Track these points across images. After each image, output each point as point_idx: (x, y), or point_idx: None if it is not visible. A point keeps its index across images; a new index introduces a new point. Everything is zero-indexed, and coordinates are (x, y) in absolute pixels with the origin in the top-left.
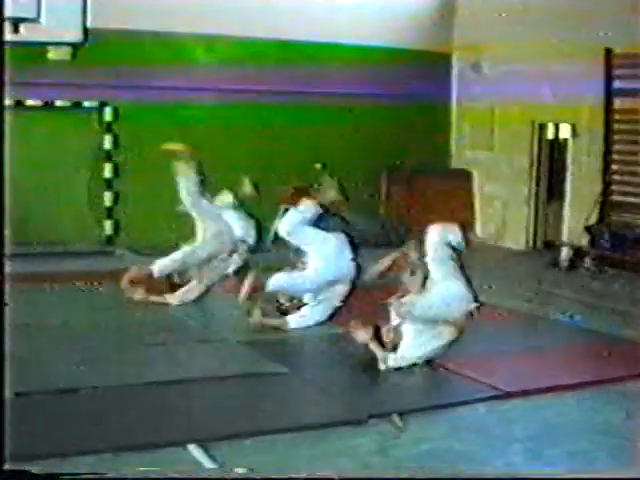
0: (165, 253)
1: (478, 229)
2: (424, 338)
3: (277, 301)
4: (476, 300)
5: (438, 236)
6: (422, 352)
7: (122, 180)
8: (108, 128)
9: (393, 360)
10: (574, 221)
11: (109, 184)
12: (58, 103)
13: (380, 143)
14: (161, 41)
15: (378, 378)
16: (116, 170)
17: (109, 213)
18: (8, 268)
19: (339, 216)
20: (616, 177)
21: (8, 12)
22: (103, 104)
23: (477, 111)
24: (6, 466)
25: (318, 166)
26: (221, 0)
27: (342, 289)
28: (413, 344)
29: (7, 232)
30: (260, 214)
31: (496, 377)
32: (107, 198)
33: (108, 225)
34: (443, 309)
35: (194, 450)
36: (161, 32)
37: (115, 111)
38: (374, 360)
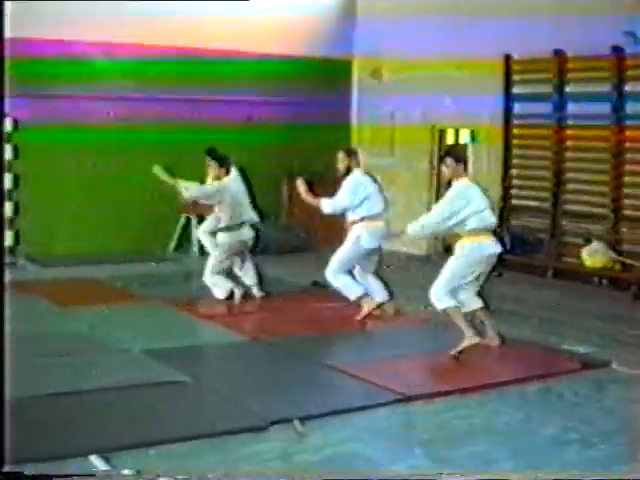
0: (65, 263)
1: None
2: None
3: None
4: None
5: None
6: None
7: (22, 191)
8: (8, 138)
9: None
10: None
11: (9, 195)
12: None
13: (282, 151)
14: (62, 48)
15: (280, 385)
16: (16, 181)
17: (10, 224)
18: None
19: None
20: (515, 182)
21: None
22: (1, 114)
23: (378, 118)
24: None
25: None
26: (122, 8)
27: None
28: None
29: None
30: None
31: (396, 381)
32: (7, 209)
33: (9, 236)
34: None
35: (96, 461)
36: (64, 40)
37: (14, 121)
38: (275, 367)
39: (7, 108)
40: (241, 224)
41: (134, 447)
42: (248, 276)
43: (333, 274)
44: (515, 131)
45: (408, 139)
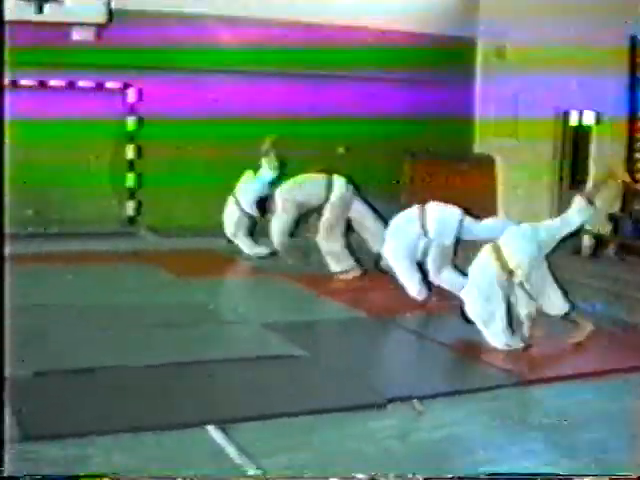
0: (186, 234)
1: (500, 216)
2: None
3: None
4: None
5: None
6: None
7: (145, 161)
8: (131, 109)
9: None
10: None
11: (131, 165)
12: (81, 84)
13: (404, 128)
14: (185, 22)
15: (397, 363)
16: (139, 151)
17: (131, 194)
18: (28, 248)
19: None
20: None
21: None
22: (127, 85)
23: (501, 97)
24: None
25: (341, 150)
26: None
27: None
28: None
29: (29, 212)
30: None
31: (515, 364)
32: (129, 179)
33: (130, 206)
34: None
35: (213, 432)
36: (185, 12)
37: (139, 92)
38: (394, 344)
39: (131, 78)
40: None
41: (251, 419)
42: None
43: None
44: None
45: (532, 120)
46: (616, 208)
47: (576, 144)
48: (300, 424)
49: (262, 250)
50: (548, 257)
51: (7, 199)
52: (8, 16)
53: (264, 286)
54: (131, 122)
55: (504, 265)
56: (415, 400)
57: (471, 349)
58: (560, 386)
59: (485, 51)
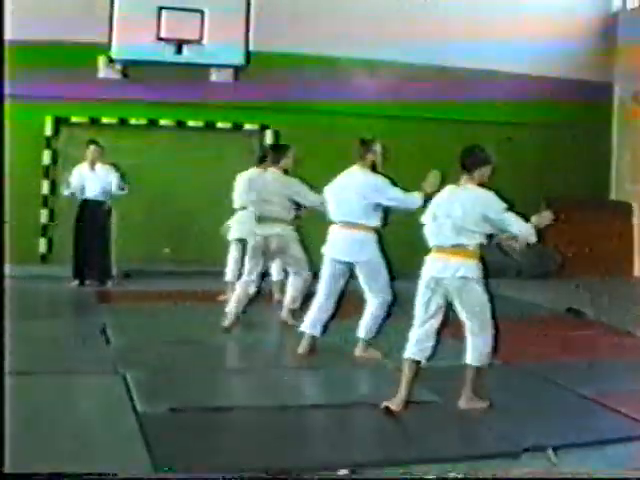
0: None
1: (636, 264)
2: None
3: None
4: None
5: None
6: None
7: None
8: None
9: None
10: None
11: None
12: (219, 125)
13: (539, 173)
14: (322, 65)
15: (533, 411)
16: None
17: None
18: (166, 286)
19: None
20: None
21: (174, 34)
22: (264, 127)
23: (638, 142)
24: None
25: None
26: (382, 26)
27: None
28: None
29: (167, 250)
30: None
31: None
32: None
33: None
34: None
35: (344, 474)
36: (323, 56)
37: (276, 134)
38: (527, 392)
39: (268, 120)
40: None
41: (380, 465)
42: None
43: None
44: None
45: None
46: None
47: None
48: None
49: None
50: None
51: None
52: (148, 57)
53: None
54: None
55: None
56: (550, 450)
57: (607, 398)
58: None
59: (622, 97)
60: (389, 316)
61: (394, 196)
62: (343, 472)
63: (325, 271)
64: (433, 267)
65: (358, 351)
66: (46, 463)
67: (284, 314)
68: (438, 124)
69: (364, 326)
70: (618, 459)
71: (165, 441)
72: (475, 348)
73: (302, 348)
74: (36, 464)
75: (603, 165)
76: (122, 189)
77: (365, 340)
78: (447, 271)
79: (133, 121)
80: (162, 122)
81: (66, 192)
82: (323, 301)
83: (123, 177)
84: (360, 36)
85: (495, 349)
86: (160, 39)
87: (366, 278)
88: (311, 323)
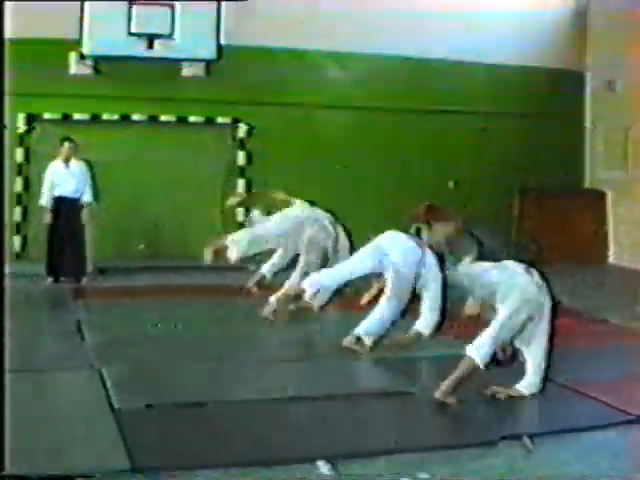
0: None
1: (611, 251)
2: None
3: None
4: None
5: None
6: None
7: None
8: (241, 145)
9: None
10: None
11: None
12: (192, 119)
13: (512, 162)
14: (294, 58)
15: (509, 400)
16: (249, 186)
17: (240, 228)
18: (141, 280)
19: (474, 236)
20: None
21: (145, 28)
22: (236, 121)
23: (611, 130)
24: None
25: (451, 184)
26: (353, 17)
27: None
28: None
29: (142, 246)
30: None
31: (629, 401)
32: (239, 214)
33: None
34: None
35: (323, 467)
36: (293, 49)
37: (249, 128)
38: (503, 380)
39: (241, 114)
40: None
41: (361, 455)
42: None
43: None
44: None
45: None
46: None
47: None
48: (411, 460)
49: None
50: None
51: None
52: (119, 52)
53: None
54: (241, 157)
55: None
56: (525, 438)
57: (583, 386)
58: None
59: (594, 85)
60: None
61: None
62: (320, 463)
63: None
64: None
65: (345, 341)
66: (22, 462)
67: None
68: (411, 115)
69: (365, 321)
70: (594, 447)
71: (142, 437)
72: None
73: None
74: (12, 463)
75: (577, 154)
76: (91, 201)
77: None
78: None
79: (105, 116)
80: (134, 117)
81: (44, 202)
82: None
83: (94, 178)
84: (331, 28)
85: None
86: (131, 34)
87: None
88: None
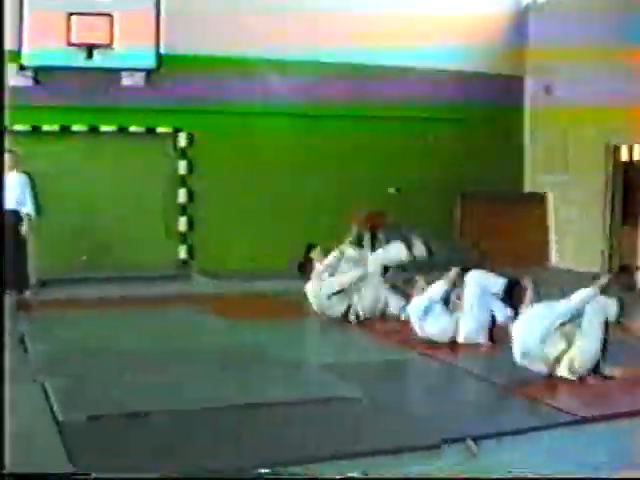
0: (239, 277)
1: (553, 253)
2: None
3: None
4: None
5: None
6: None
7: (197, 205)
8: (182, 154)
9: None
10: None
11: (184, 209)
12: (132, 128)
13: (453, 167)
14: (233, 66)
15: (452, 403)
16: (191, 195)
17: (184, 238)
18: (84, 292)
19: (425, 245)
20: None
21: (84, 39)
22: (177, 129)
23: (550, 133)
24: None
25: (392, 190)
26: (292, 24)
27: None
28: None
29: (84, 258)
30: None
31: (572, 401)
32: (182, 223)
33: (183, 250)
34: None
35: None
36: (233, 57)
37: (189, 136)
38: (446, 383)
39: (182, 123)
40: None
41: (308, 461)
42: None
43: None
44: None
45: (582, 155)
46: None
47: (627, 178)
48: (357, 465)
49: None
50: None
51: None
52: (59, 62)
53: (316, 327)
54: (182, 166)
55: None
56: (469, 441)
57: (527, 387)
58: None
59: (533, 90)
60: None
61: None
62: (264, 471)
63: None
64: None
65: None
66: None
67: None
68: (353, 121)
69: None
70: (537, 447)
71: (84, 448)
72: None
73: None
74: None
75: (517, 157)
76: (33, 213)
77: None
78: None
79: (46, 127)
80: (75, 127)
81: None
82: None
83: (35, 190)
84: (269, 36)
85: None
86: (71, 44)
87: None
88: None
